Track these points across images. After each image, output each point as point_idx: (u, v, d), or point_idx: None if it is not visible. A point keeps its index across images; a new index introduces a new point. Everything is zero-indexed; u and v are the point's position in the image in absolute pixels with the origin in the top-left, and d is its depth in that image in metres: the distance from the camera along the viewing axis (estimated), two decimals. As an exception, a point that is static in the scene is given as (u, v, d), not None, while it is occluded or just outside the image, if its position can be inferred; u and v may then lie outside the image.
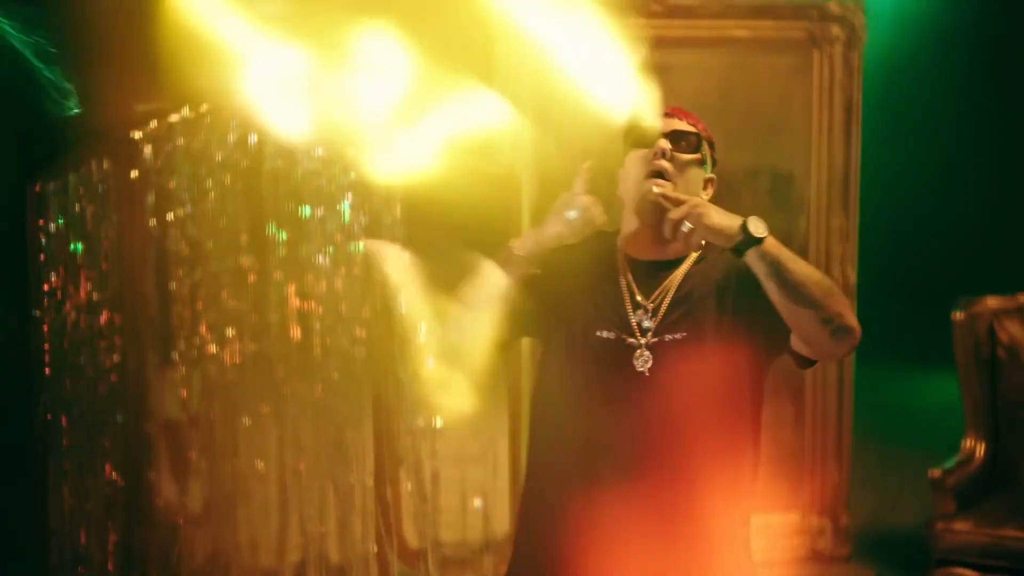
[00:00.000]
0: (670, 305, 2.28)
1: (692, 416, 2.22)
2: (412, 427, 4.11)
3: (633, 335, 2.26)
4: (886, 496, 5.60)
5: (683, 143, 2.31)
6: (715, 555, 2.26)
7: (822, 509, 4.89)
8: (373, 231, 3.91)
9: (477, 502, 4.40)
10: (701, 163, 2.34)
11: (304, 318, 3.87)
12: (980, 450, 4.29)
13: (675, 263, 2.31)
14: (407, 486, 4.12)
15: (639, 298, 2.29)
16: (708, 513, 2.23)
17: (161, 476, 3.73)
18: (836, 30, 4.87)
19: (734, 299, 2.25)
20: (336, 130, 3.37)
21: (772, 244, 2.12)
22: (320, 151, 3.66)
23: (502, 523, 4.51)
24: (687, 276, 2.30)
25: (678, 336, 2.25)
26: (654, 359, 2.24)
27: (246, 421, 3.82)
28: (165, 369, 3.65)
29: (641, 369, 2.24)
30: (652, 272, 2.31)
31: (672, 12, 4.79)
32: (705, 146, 2.36)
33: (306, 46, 2.59)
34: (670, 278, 2.30)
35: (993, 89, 6.07)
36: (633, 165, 2.32)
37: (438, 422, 4.18)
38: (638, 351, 2.25)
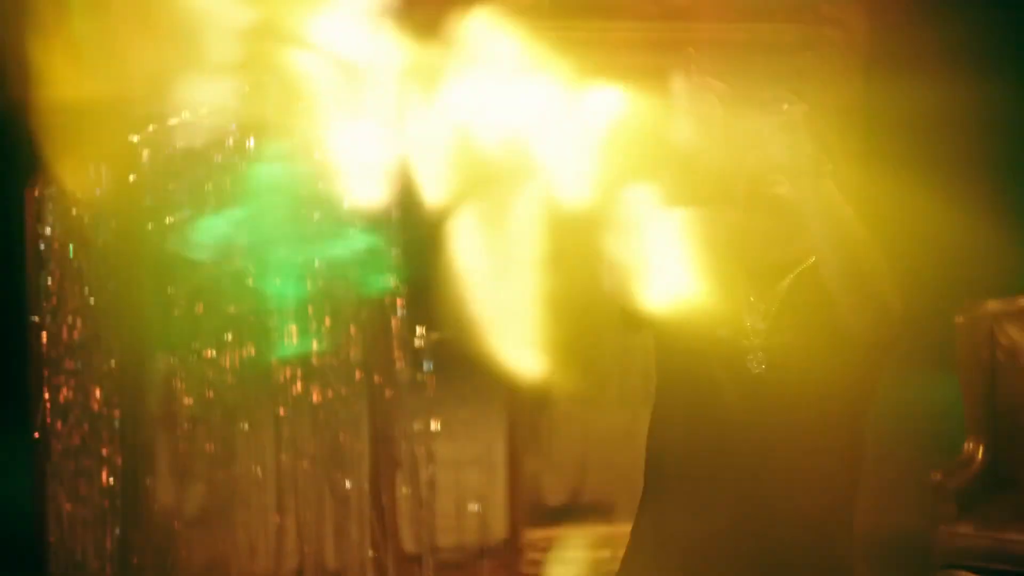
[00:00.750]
0: (781, 305, 2.25)
1: (806, 415, 2.22)
2: (409, 431, 4.09)
3: (747, 336, 2.26)
4: (885, 499, 5.59)
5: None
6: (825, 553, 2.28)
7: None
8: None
9: (474, 507, 4.39)
10: None
11: (302, 322, 3.86)
12: (980, 453, 4.29)
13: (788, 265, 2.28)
14: (404, 491, 4.10)
15: (752, 299, 2.28)
16: (822, 516, 2.25)
17: (158, 481, 3.72)
18: (834, 33, 4.87)
19: None
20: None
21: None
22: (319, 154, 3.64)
23: (499, 528, 4.50)
24: (798, 276, 2.26)
25: (789, 336, 2.23)
26: (768, 359, 2.24)
27: (244, 426, 3.80)
28: (163, 373, 3.63)
29: (756, 371, 2.24)
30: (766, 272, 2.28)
31: (668, 14, 4.78)
32: None
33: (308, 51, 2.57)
34: (784, 278, 2.26)
35: (993, 91, 6.08)
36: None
37: (435, 426, 4.17)
38: (751, 354, 2.25)
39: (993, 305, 4.50)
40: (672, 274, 2.30)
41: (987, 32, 6.02)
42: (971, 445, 4.32)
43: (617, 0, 4.78)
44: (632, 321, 2.37)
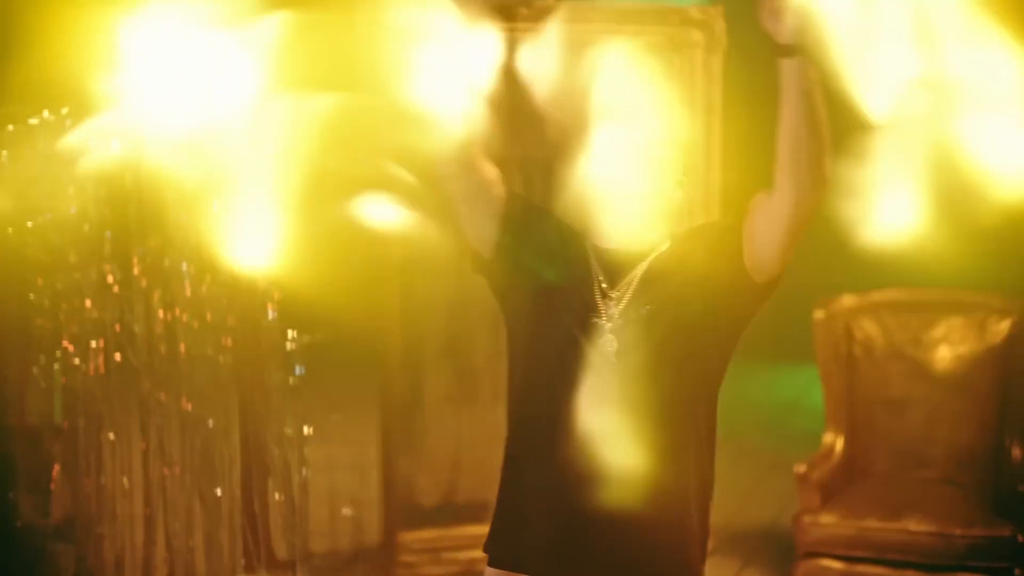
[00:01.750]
0: (635, 292, 2.32)
1: (658, 395, 2.28)
2: (280, 436, 4.04)
3: (599, 318, 2.31)
4: (747, 490, 5.73)
5: None
6: (676, 536, 2.36)
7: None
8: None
9: (347, 511, 4.35)
10: None
11: (169, 327, 3.77)
12: (839, 444, 4.42)
13: (642, 252, 2.34)
14: (275, 497, 4.04)
15: (604, 286, 2.33)
16: (674, 490, 2.32)
17: (20, 494, 3.59)
18: (696, 35, 4.96)
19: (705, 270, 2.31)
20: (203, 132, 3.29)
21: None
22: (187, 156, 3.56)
23: (373, 531, 4.47)
24: (651, 264, 2.34)
25: (643, 311, 2.30)
26: (619, 341, 2.29)
27: (111, 435, 3.69)
28: (26, 382, 3.51)
29: (608, 351, 2.29)
30: (618, 260, 2.34)
31: (539, 15, 4.81)
32: None
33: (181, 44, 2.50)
34: (636, 267, 2.33)
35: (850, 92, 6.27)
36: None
37: (307, 430, 4.12)
38: (604, 338, 2.29)
39: (849, 300, 4.63)
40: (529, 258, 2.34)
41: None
42: (831, 437, 4.45)
43: (488, 1, 4.78)
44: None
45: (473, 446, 5.03)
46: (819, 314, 4.56)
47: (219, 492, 3.89)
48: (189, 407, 3.81)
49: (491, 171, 2.38)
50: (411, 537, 4.80)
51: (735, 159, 5.13)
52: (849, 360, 4.55)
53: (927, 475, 4.31)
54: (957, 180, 2.27)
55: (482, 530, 5.18)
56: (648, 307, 2.32)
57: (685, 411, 2.34)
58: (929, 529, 3.92)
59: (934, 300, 4.60)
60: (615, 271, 2.35)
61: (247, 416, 3.96)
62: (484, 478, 5.01)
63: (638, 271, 2.34)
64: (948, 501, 4.06)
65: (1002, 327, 4.33)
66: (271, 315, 3.96)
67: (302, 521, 4.08)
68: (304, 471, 4.09)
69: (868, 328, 4.57)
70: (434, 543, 4.94)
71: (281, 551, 4.06)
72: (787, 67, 2.14)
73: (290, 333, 4.06)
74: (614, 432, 2.27)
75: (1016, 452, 4.17)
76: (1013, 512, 3.99)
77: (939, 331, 4.41)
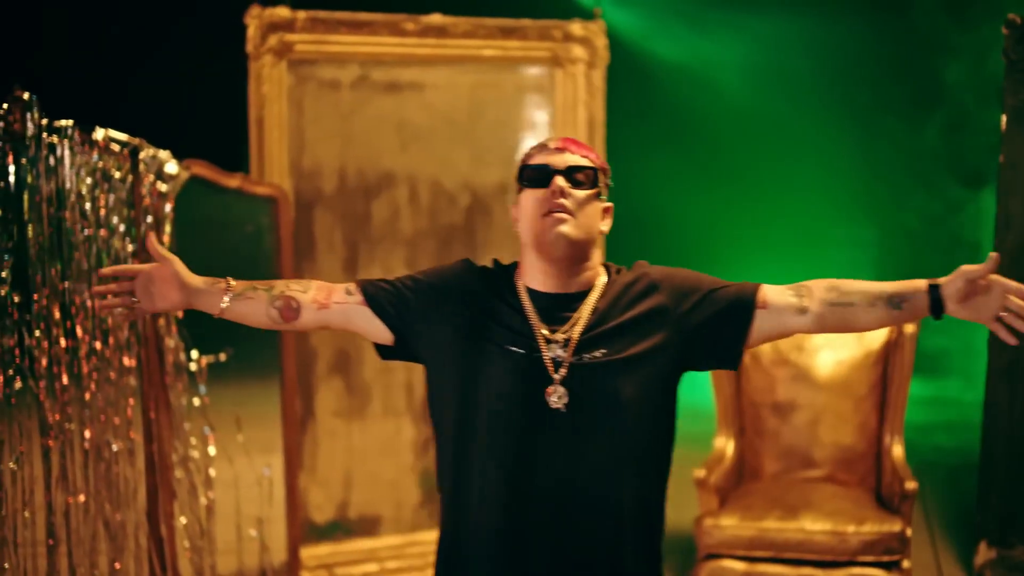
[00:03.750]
0: (583, 332, 2.25)
1: (614, 445, 2.24)
2: (185, 457, 3.96)
3: (542, 360, 2.24)
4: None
5: (579, 176, 2.28)
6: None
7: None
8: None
9: (252, 532, 4.28)
10: (598, 195, 2.33)
11: (71, 349, 3.65)
12: (730, 447, 4.59)
13: (580, 295, 2.30)
14: (181, 520, 3.95)
15: (545, 332, 2.26)
16: (628, 532, 2.28)
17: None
18: (579, 51, 5.07)
19: (689, 315, 2.28)
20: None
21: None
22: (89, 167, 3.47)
23: (279, 550, 4.42)
24: (596, 305, 2.29)
25: (597, 354, 2.24)
26: (570, 392, 2.23)
27: (12, 464, 3.55)
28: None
29: (556, 406, 2.23)
30: (558, 304, 2.29)
31: (425, 32, 4.85)
32: (600, 176, 2.33)
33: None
34: (580, 309, 2.28)
35: (734, 104, 6.52)
36: (530, 203, 2.29)
37: (212, 451, 4.05)
38: (551, 388, 2.23)
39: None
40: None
41: (705, 48, 6.46)
42: (722, 440, 4.62)
43: (378, 17, 4.79)
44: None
45: (363, 460, 5.02)
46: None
47: (123, 517, 3.79)
48: (91, 430, 3.69)
49: (328, 297, 2.35)
50: (306, 554, 4.77)
51: (617, 171, 5.25)
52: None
53: (814, 475, 4.52)
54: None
55: (373, 544, 5.20)
56: (602, 351, 2.25)
57: (650, 456, 2.30)
58: (824, 528, 4.11)
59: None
60: (553, 314, 2.28)
61: (150, 439, 3.86)
62: (376, 493, 5.02)
63: (583, 312, 2.28)
64: (838, 499, 4.27)
65: (879, 334, 4.57)
66: (174, 336, 3.88)
67: (208, 543, 4.01)
68: (210, 492, 4.02)
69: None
70: (327, 559, 4.92)
71: (187, 573, 3.98)
72: (926, 314, 2.22)
73: (193, 353, 3.99)
74: (572, 488, 2.21)
75: (897, 451, 4.42)
76: (895, 507, 4.23)
77: (821, 338, 4.62)
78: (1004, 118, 4.74)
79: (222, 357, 4.19)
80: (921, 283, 2.22)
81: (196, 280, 2.40)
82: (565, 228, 2.24)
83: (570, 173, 2.28)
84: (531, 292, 2.32)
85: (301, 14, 4.63)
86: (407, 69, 4.91)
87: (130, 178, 3.69)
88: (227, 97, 4.64)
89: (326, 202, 4.86)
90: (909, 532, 4.10)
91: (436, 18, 4.87)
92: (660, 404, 2.31)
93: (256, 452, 4.25)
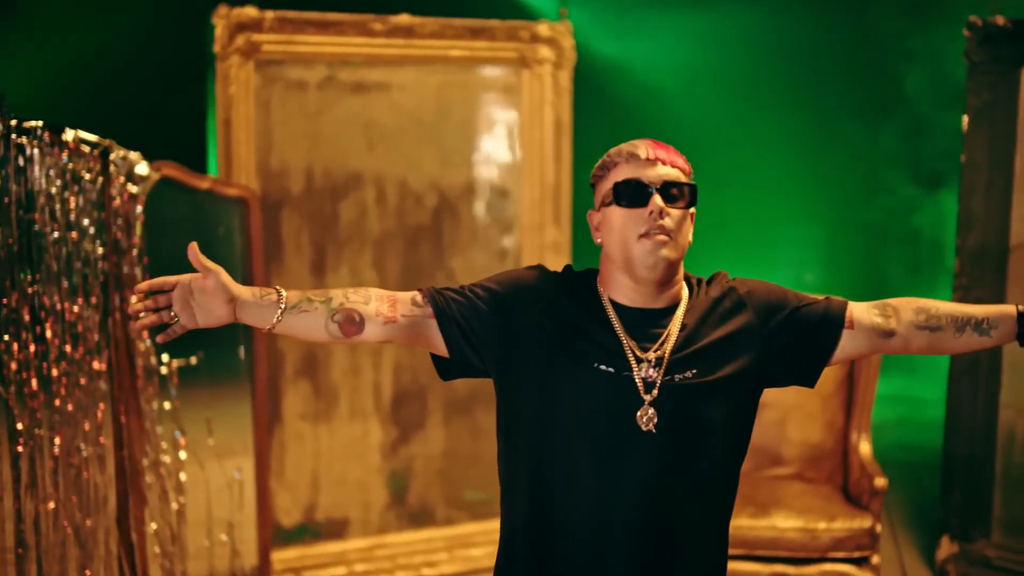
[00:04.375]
0: (674, 351, 2.17)
1: (703, 468, 2.17)
2: (156, 462, 3.92)
3: (633, 380, 2.16)
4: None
5: (674, 191, 2.17)
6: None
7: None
8: (112, 256, 3.70)
9: (223, 536, 4.25)
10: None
11: (40, 353, 3.60)
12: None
13: (668, 310, 2.22)
14: (152, 526, 3.92)
15: (636, 350, 2.17)
16: (709, 554, 2.23)
17: None
18: (545, 52, 5.08)
19: (777, 333, 2.22)
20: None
21: None
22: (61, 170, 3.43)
23: (250, 553, 4.39)
24: (684, 321, 2.21)
25: (689, 375, 2.16)
26: (660, 414, 2.14)
27: (-19, 469, 3.49)
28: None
29: (647, 428, 2.14)
30: (647, 320, 2.20)
31: (393, 32, 4.83)
32: (693, 188, 2.22)
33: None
34: (668, 326, 2.19)
35: (699, 104, 6.59)
36: (623, 222, 2.17)
37: (183, 455, 4.01)
38: (641, 410, 2.15)
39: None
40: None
41: (671, 46, 6.53)
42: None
43: (346, 17, 4.77)
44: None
45: (331, 463, 5.00)
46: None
47: (94, 524, 3.75)
48: (60, 436, 3.64)
49: (394, 308, 2.19)
50: (274, 558, 4.73)
51: (583, 172, 5.28)
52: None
53: (782, 472, 4.56)
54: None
55: (343, 546, 5.17)
56: (693, 371, 2.16)
57: (730, 475, 2.23)
58: (795, 525, 4.15)
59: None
60: (641, 331, 2.19)
61: (120, 443, 3.81)
62: (343, 495, 5.00)
63: (672, 329, 2.19)
64: (807, 497, 4.31)
65: (846, 331, 4.62)
66: (145, 339, 3.84)
67: (179, 548, 3.98)
68: (180, 498, 3.99)
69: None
70: (295, 563, 4.89)
71: (158, 580, 3.94)
72: (1012, 340, 2.21)
73: (164, 357, 3.95)
74: (657, 512, 2.14)
75: (864, 448, 4.47)
76: (864, 503, 4.27)
77: (789, 336, 4.66)
78: (966, 119, 4.82)
79: (193, 361, 4.16)
80: (1010, 310, 2.20)
81: (244, 292, 2.16)
82: (666, 251, 2.15)
83: (667, 188, 2.17)
84: (616, 306, 2.22)
85: (269, 14, 4.60)
86: (374, 69, 4.89)
87: (100, 180, 3.65)
88: (192, 98, 4.60)
89: (293, 203, 4.83)
90: (879, 528, 4.15)
91: (404, 18, 4.86)
92: (745, 424, 2.26)
93: (227, 456, 4.21)
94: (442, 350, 2.23)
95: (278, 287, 2.22)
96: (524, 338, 2.20)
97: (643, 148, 2.20)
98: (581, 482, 2.16)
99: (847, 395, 4.59)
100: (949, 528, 4.97)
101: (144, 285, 2.17)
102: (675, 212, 2.17)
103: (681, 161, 2.23)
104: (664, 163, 2.19)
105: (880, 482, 4.20)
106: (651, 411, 2.14)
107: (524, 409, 2.22)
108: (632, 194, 2.16)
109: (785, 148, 6.83)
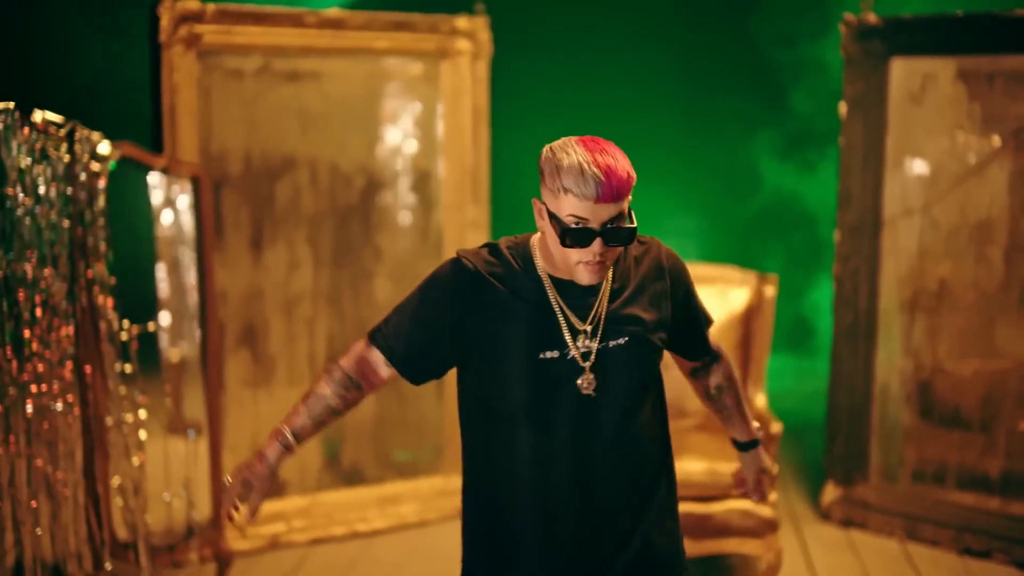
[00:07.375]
0: (607, 319, 2.37)
1: (634, 418, 2.43)
2: (119, 419, 4.20)
3: (573, 355, 2.35)
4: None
5: (617, 225, 2.27)
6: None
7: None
8: (83, 238, 3.97)
9: (181, 491, 4.55)
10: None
11: (14, 315, 3.86)
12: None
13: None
14: (116, 480, 4.20)
15: (574, 322, 2.35)
16: (652, 489, 2.52)
17: None
18: (464, 44, 5.48)
19: (676, 306, 2.51)
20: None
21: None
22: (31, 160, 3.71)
23: (203, 508, 4.70)
24: (612, 285, 2.42)
25: (621, 341, 2.37)
26: (598, 378, 2.35)
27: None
28: None
29: (587, 392, 2.35)
30: (583, 292, 2.37)
31: (324, 24, 5.18)
32: (632, 213, 2.34)
33: None
34: (600, 294, 2.38)
35: (608, 92, 7.03)
36: (564, 248, 2.29)
37: (143, 414, 4.30)
38: (581, 378, 2.35)
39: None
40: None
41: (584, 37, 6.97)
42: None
43: (280, 10, 5.10)
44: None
45: (270, 427, 5.31)
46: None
47: (63, 477, 4.02)
48: (33, 393, 3.91)
49: (376, 376, 2.50)
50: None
51: (499, 155, 5.71)
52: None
53: (687, 424, 5.03)
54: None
55: (282, 505, 5.48)
56: (625, 338, 2.37)
57: (660, 429, 2.52)
58: (701, 468, 4.61)
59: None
60: (577, 302, 2.36)
61: (87, 402, 4.09)
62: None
63: (603, 297, 2.38)
64: (711, 444, 4.79)
65: (742, 298, 5.12)
66: (109, 306, 4.13)
67: (142, 502, 4.27)
68: (141, 454, 4.28)
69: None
70: (236, 521, 5.20)
71: (122, 532, 4.23)
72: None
73: (125, 323, 4.24)
74: (602, 468, 2.37)
75: (760, 399, 4.97)
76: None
77: (691, 301, 5.13)
78: (843, 106, 5.37)
79: (151, 327, 4.46)
80: (749, 430, 2.85)
81: (273, 461, 2.62)
82: (601, 275, 2.32)
83: (610, 233, 2.26)
84: (555, 281, 2.39)
85: (210, 6, 4.91)
86: (306, 59, 5.24)
87: (67, 158, 3.93)
88: (144, 85, 4.89)
89: (233, 184, 5.16)
90: (776, 469, 4.64)
91: (334, 11, 5.22)
92: (661, 378, 2.55)
93: (184, 417, 4.53)
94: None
95: (280, 428, 2.68)
96: (469, 342, 2.40)
97: (596, 188, 2.23)
98: (527, 447, 2.39)
99: (744, 355, 5.08)
100: (833, 475, 5.52)
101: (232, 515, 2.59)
102: (615, 248, 2.32)
103: (627, 179, 2.26)
104: (614, 200, 2.25)
105: (776, 427, 4.69)
106: (591, 376, 2.36)
107: (480, 397, 2.46)
108: (577, 237, 2.26)
109: (670, 139, 7.25)
